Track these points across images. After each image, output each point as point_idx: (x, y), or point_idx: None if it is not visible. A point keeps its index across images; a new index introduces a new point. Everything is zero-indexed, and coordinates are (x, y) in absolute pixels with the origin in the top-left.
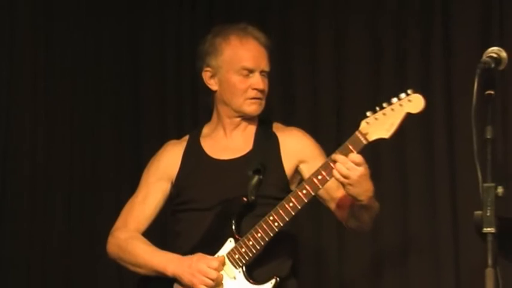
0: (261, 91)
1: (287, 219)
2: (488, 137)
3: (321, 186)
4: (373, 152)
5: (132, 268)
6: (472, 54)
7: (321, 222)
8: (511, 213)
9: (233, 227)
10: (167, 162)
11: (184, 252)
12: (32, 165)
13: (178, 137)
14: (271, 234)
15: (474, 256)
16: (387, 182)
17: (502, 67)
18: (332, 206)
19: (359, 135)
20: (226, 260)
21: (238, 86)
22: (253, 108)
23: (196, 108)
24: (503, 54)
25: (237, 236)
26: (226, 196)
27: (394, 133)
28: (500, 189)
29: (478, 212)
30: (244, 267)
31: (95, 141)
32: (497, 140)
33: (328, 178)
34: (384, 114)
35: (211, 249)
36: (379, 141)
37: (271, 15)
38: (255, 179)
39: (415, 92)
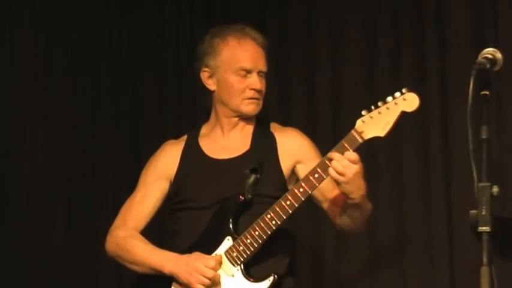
0: (259, 91)
1: (284, 217)
2: (484, 137)
3: (317, 184)
4: (369, 151)
5: (130, 266)
6: (467, 55)
7: (318, 221)
8: (506, 212)
9: (231, 225)
10: (166, 162)
11: (182, 251)
12: (32, 165)
13: (177, 136)
14: (269, 232)
15: (469, 255)
16: (383, 181)
17: (497, 68)
18: (326, 206)
19: (355, 133)
20: (224, 258)
21: (236, 86)
22: (250, 108)
23: (194, 108)
24: (498, 55)
25: (234, 234)
26: (224, 195)
27: (390, 131)
28: (495, 189)
29: (474, 211)
30: (242, 265)
31: (95, 141)
32: (492, 140)
33: (324, 176)
34: (379, 113)
35: (209, 247)
36: (375, 140)
37: (268, 15)
38: (252, 177)
39: (409, 90)
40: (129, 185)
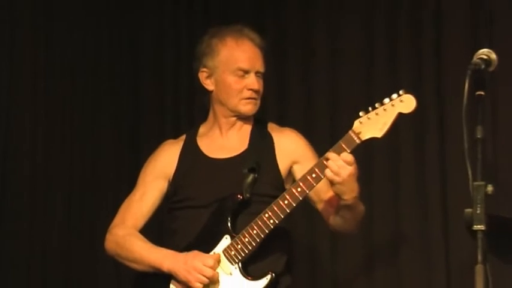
0: (256, 91)
1: (282, 216)
2: (479, 136)
3: (315, 184)
4: (365, 152)
5: (129, 264)
6: (463, 56)
7: (314, 221)
8: (501, 210)
9: (229, 224)
10: (164, 161)
11: (180, 249)
12: (32, 165)
13: (176, 136)
14: (267, 231)
15: (464, 253)
16: (379, 181)
17: (492, 68)
18: (320, 207)
19: (352, 134)
20: (222, 257)
21: (233, 86)
22: (248, 108)
23: (193, 108)
24: (493, 56)
25: (232, 233)
26: (222, 194)
27: (387, 133)
28: (490, 188)
29: (468, 210)
30: (240, 264)
31: (95, 141)
32: (487, 139)
33: (322, 176)
34: (377, 114)
35: (208, 246)
36: (372, 141)
37: (267, 16)
38: (250, 177)
39: (406, 92)
40: (128, 184)
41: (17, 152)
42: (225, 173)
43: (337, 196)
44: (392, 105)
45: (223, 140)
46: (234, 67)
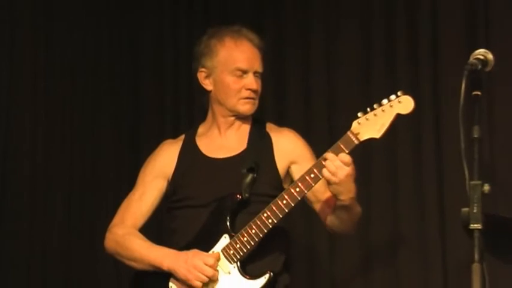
0: (255, 91)
1: (280, 216)
2: (475, 136)
3: (313, 184)
4: (363, 152)
5: (128, 263)
6: (459, 56)
7: (312, 220)
8: (497, 210)
9: (228, 223)
10: (163, 161)
11: (180, 248)
12: (32, 165)
13: (175, 136)
14: (265, 231)
15: (461, 253)
16: (377, 182)
17: (488, 69)
18: (317, 207)
19: (350, 135)
20: (221, 256)
21: (232, 86)
22: (246, 107)
23: (192, 108)
24: (490, 56)
25: (231, 233)
26: (221, 194)
27: (385, 133)
28: (486, 187)
29: (465, 209)
30: (238, 263)
31: (95, 141)
32: (483, 139)
33: (320, 176)
34: (375, 115)
35: (207, 245)
36: (370, 142)
37: (265, 17)
38: (249, 177)
39: (404, 93)
40: (128, 184)
41: (17, 152)
42: (224, 172)
43: (334, 196)
44: (391, 106)
45: (222, 140)
46: (233, 67)
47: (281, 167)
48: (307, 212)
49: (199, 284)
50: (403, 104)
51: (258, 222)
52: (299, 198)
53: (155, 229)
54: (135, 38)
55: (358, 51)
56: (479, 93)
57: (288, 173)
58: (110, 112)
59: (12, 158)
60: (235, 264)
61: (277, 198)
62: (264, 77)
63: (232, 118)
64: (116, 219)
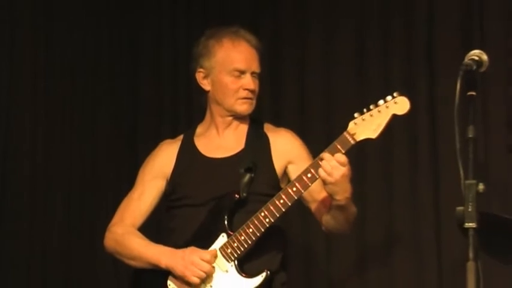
0: (252, 91)
1: (278, 215)
2: (470, 136)
3: (310, 184)
4: (359, 152)
5: (127, 261)
6: (455, 57)
7: (309, 220)
8: (492, 208)
9: (225, 222)
10: (162, 161)
11: (178, 247)
12: (32, 165)
13: (174, 136)
14: (262, 230)
15: (456, 251)
16: (372, 182)
17: (483, 69)
18: (313, 207)
19: (347, 135)
20: (219, 254)
21: (230, 86)
22: (244, 107)
23: (191, 109)
24: (484, 57)
25: (229, 231)
26: (219, 193)
27: (381, 134)
28: (481, 186)
29: (460, 208)
30: (236, 261)
31: (95, 141)
32: (478, 139)
33: (317, 176)
34: (371, 115)
35: (205, 243)
36: (366, 142)
37: (263, 17)
38: (247, 176)
39: (400, 94)
40: (128, 184)
41: (17, 152)
42: (222, 172)
43: (330, 196)
44: (387, 107)
45: (220, 140)
46: (231, 68)
47: (278, 166)
48: (303, 211)
49: (196, 280)
50: (399, 104)
51: (256, 222)
52: (296, 198)
53: (154, 229)
54: (134, 38)
55: (354, 51)
56: (474, 93)
57: (285, 172)
58: (109, 112)
59: (12, 158)
60: (232, 263)
61: (274, 198)
62: (261, 77)
63: (230, 118)
64: (116, 219)
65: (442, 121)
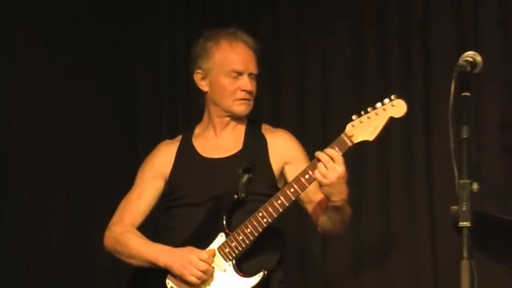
0: (249, 92)
1: (275, 215)
2: (464, 136)
3: (307, 185)
4: (355, 153)
5: (126, 260)
6: (449, 58)
7: (306, 220)
8: (486, 208)
9: (224, 222)
10: (161, 161)
11: (177, 246)
12: (32, 165)
13: (173, 137)
14: (260, 230)
15: (451, 249)
16: (369, 182)
17: (477, 70)
18: (309, 208)
19: (345, 137)
20: (217, 253)
21: (227, 87)
22: (241, 108)
23: (189, 110)
24: (478, 58)
25: (227, 231)
26: (217, 193)
27: (378, 136)
28: (475, 186)
29: (454, 207)
30: (234, 261)
31: (94, 142)
32: (472, 139)
33: (314, 177)
34: (369, 118)
35: (203, 243)
36: (363, 144)
37: (260, 17)
38: (245, 177)
39: (398, 97)
40: (127, 184)
41: (17, 152)
42: (220, 172)
43: (326, 197)
44: (384, 109)
45: (218, 140)
46: (228, 69)
47: (275, 167)
48: (300, 212)
49: (194, 279)
50: (396, 107)
51: (254, 222)
52: (293, 199)
53: (153, 228)
54: (133, 38)
55: (351, 52)
56: (468, 94)
57: (281, 173)
58: (109, 112)
59: (12, 158)
60: (230, 262)
61: (272, 199)
62: (259, 77)
63: (228, 119)
64: (115, 218)
65: (437, 121)
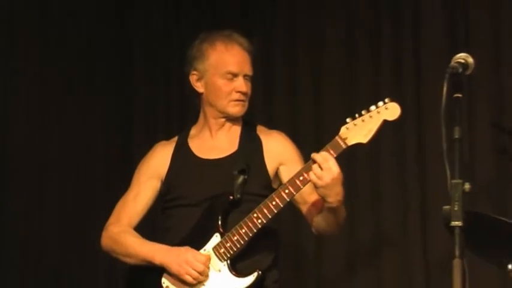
0: (244, 94)
1: (270, 216)
2: (456, 136)
3: (302, 187)
4: (347, 154)
5: (123, 259)
6: (441, 60)
7: (300, 220)
8: (477, 207)
9: (219, 222)
10: (157, 162)
11: (173, 246)
12: (32, 165)
13: (168, 138)
14: (255, 230)
15: (443, 249)
16: (361, 182)
17: (468, 72)
18: (304, 208)
19: (339, 139)
20: (212, 254)
21: (223, 88)
22: (236, 109)
23: (185, 111)
24: (470, 59)
25: (222, 231)
26: (212, 193)
27: (372, 138)
28: (467, 186)
29: (447, 207)
30: (228, 261)
31: (94, 142)
32: (464, 139)
33: (308, 179)
34: (363, 120)
35: (199, 243)
36: (357, 146)
37: (254, 19)
38: (241, 178)
39: (391, 100)
40: (124, 185)
41: (17, 152)
42: (215, 173)
43: (322, 199)
44: (378, 112)
45: (213, 141)
46: (224, 70)
47: (270, 168)
48: (295, 212)
49: (190, 278)
50: (389, 110)
51: (248, 222)
52: (288, 200)
53: (149, 228)
54: (128, 39)
55: (344, 57)
56: (460, 95)
57: (276, 174)
58: (107, 113)
59: (12, 158)
60: (225, 262)
61: (267, 200)
62: (253, 79)
63: (223, 120)
64: (112, 219)
65: (429, 122)
